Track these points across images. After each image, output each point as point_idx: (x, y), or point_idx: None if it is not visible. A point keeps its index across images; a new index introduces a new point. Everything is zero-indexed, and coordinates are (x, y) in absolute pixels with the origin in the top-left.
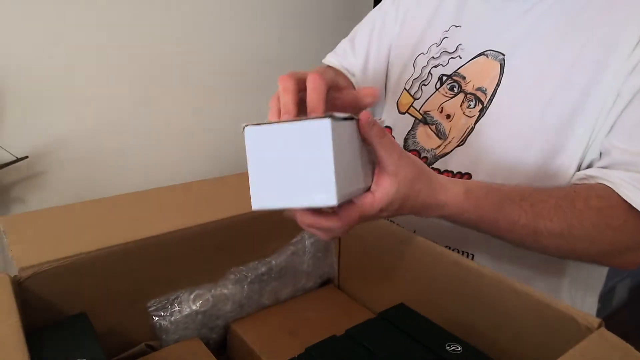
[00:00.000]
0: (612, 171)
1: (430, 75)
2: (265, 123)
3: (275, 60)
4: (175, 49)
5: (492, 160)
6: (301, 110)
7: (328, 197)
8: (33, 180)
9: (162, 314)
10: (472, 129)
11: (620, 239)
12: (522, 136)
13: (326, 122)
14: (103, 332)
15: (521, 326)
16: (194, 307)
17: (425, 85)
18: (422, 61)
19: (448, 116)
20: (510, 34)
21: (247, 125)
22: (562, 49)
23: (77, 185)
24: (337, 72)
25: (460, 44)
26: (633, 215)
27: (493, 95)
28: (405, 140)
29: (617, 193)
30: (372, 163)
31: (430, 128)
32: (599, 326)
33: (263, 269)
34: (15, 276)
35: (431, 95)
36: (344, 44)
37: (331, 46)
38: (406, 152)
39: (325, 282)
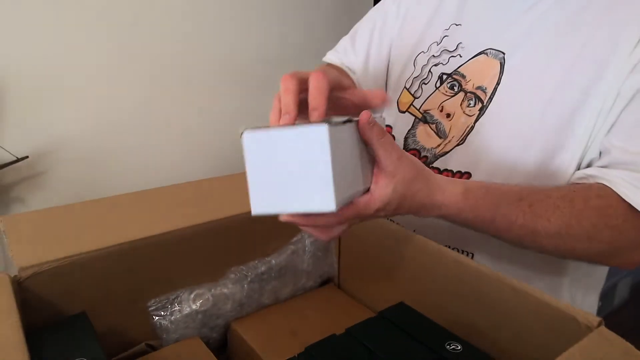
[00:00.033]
0: (611, 170)
1: (430, 74)
2: (263, 128)
3: (276, 60)
4: (175, 49)
5: (491, 159)
6: (304, 110)
7: (327, 203)
8: (33, 180)
9: (163, 313)
10: (472, 128)
11: (620, 239)
12: (522, 135)
13: (323, 129)
14: (103, 332)
15: (521, 325)
16: (194, 307)
17: (426, 84)
18: (422, 60)
19: (448, 115)
20: (510, 33)
21: (245, 131)
22: (562, 49)
23: (78, 185)
24: (341, 71)
25: (461, 43)
26: (632, 214)
27: (493, 94)
28: (406, 139)
29: (616, 192)
30: (372, 162)
31: (430, 127)
32: (599, 325)
33: (263, 268)
34: (15, 276)
35: (431, 94)
36: (344, 41)
37: (331, 46)
38: (406, 152)
39: (326, 282)
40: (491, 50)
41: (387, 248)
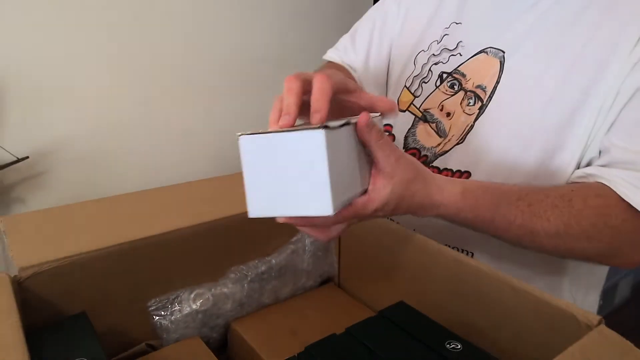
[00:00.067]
0: (611, 170)
1: (430, 73)
2: (260, 132)
3: (276, 60)
4: (175, 49)
5: (491, 158)
6: (306, 112)
7: (324, 207)
8: (34, 180)
9: (163, 313)
10: (472, 127)
11: (619, 239)
12: (522, 135)
13: (320, 133)
14: (103, 332)
15: (521, 324)
16: (194, 306)
17: (426, 82)
18: (422, 58)
19: (448, 114)
20: (511, 32)
21: (241, 135)
22: (562, 48)
23: (78, 186)
24: (345, 72)
25: (461, 41)
26: (632, 214)
27: (492, 93)
28: (406, 138)
29: (615, 192)
30: (370, 163)
31: (430, 126)
32: (599, 323)
33: (263, 268)
34: (15, 276)
35: (431, 93)
36: (344, 40)
37: (332, 45)
38: (404, 153)
39: (326, 281)
40: (491, 49)
41: (387, 247)
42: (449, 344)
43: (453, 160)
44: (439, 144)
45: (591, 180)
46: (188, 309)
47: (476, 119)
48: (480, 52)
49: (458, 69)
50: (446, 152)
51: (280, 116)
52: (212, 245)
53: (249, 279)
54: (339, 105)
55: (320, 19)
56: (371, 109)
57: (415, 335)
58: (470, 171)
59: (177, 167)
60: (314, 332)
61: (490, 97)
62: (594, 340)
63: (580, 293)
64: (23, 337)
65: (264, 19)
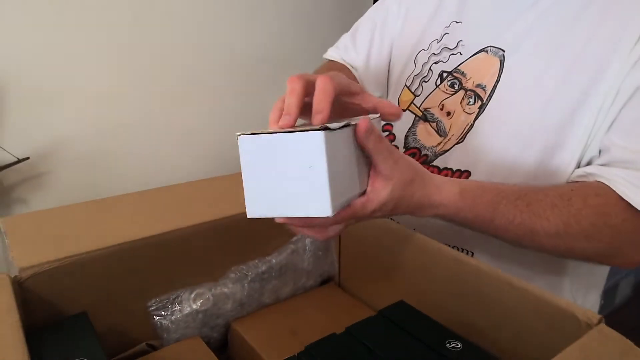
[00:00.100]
0: (610, 169)
1: (430, 72)
2: (259, 133)
3: (277, 60)
4: (175, 49)
5: (491, 157)
6: (308, 114)
7: (323, 209)
8: (34, 181)
9: (163, 313)
10: (472, 126)
11: (619, 238)
12: (522, 134)
13: (320, 134)
14: (104, 332)
15: (521, 323)
16: (194, 306)
17: (426, 81)
18: (422, 57)
19: (448, 113)
20: (511, 30)
21: (240, 135)
22: (563, 47)
23: (79, 186)
24: (348, 73)
25: (461, 40)
26: (631, 213)
27: (492, 92)
28: (406, 137)
29: (615, 191)
30: (369, 165)
31: (430, 125)
32: (599, 322)
33: (263, 268)
34: (15, 276)
35: (431, 92)
36: (345, 39)
37: (332, 45)
38: (402, 155)
39: (326, 281)
40: (491, 48)
41: (387, 247)
42: (449, 343)
43: (453, 160)
44: (439, 143)
45: (591, 179)
46: (188, 308)
47: (476, 118)
48: (481, 51)
49: (458, 68)
50: (446, 151)
51: (280, 116)
52: (212, 245)
53: (249, 278)
54: (341, 107)
55: (321, 18)
56: (374, 112)
57: (415, 334)
58: (470, 170)
59: (178, 168)
60: (314, 331)
61: (490, 96)
62: (594, 339)
63: (580, 293)
64: (23, 337)
65: (265, 18)
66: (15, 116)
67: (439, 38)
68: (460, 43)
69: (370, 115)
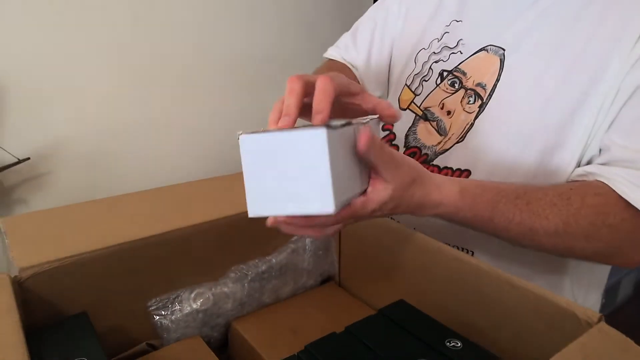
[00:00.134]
0: (610, 168)
1: (431, 71)
2: (261, 132)
3: (277, 60)
4: (175, 49)
5: (491, 156)
6: (308, 114)
7: (326, 206)
8: (35, 181)
9: (163, 312)
10: (472, 125)
11: (618, 237)
12: (521, 133)
13: (322, 132)
14: (104, 332)
15: (521, 322)
16: (194, 306)
17: (426, 81)
18: (423, 56)
19: (449, 112)
20: (511, 29)
21: (241, 134)
22: (563, 46)
23: (79, 186)
24: (348, 73)
25: (461, 39)
26: (631, 213)
27: (492, 91)
28: (406, 136)
29: (614, 190)
30: (369, 165)
31: (431, 124)
32: (599, 321)
33: (263, 267)
34: (15, 276)
35: (432, 91)
36: (345, 38)
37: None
38: (404, 159)
39: (326, 280)
40: (492, 47)
41: (388, 246)
42: (449, 342)
43: (453, 159)
44: (439, 143)
45: (591, 178)
46: (188, 308)
47: (476, 117)
48: (481, 49)
49: (458, 67)
50: (446, 150)
51: (280, 117)
52: (212, 245)
53: (249, 278)
54: (341, 107)
55: (321, 18)
56: (374, 113)
57: (415, 333)
58: (470, 169)
59: (178, 168)
60: (314, 331)
61: (490, 95)
62: (594, 338)
63: (581, 292)
64: (23, 337)
65: (265, 18)
66: (15, 116)
67: (439, 37)
68: (461, 42)
69: (370, 116)
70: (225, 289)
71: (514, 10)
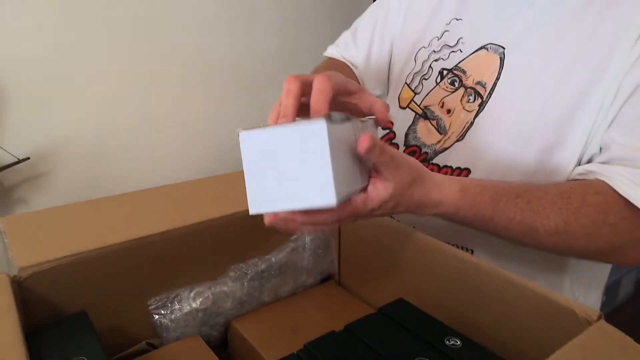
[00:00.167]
0: (611, 167)
1: (430, 69)
2: (261, 127)
3: (277, 60)
4: (176, 50)
5: (491, 155)
6: (306, 114)
7: (327, 198)
8: (35, 181)
9: (163, 312)
10: (472, 123)
11: (619, 236)
12: (522, 132)
13: (322, 125)
14: (103, 331)
15: (521, 320)
16: (194, 305)
17: (426, 79)
18: (423, 55)
19: (449, 111)
20: (512, 28)
21: (241, 131)
22: (563, 45)
23: (79, 186)
24: (347, 71)
25: (461, 38)
26: (631, 211)
27: (492, 89)
28: (406, 135)
29: (614, 189)
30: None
31: (431, 123)
32: (598, 319)
33: (263, 266)
34: (15, 276)
35: (432, 90)
36: (345, 36)
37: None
38: (404, 159)
39: (326, 279)
40: (491, 45)
41: (387, 245)
42: (449, 340)
43: (453, 158)
44: (439, 141)
45: (591, 177)
46: (188, 307)
47: (476, 115)
48: (481, 48)
49: (458, 65)
50: (446, 149)
51: (278, 118)
52: (211, 244)
53: (248, 277)
54: (339, 106)
55: (321, 18)
56: (371, 113)
57: (414, 332)
58: (470, 168)
59: (178, 168)
60: (314, 329)
61: (490, 93)
62: (594, 336)
63: (582, 290)
64: (22, 337)
65: (265, 18)
66: (15, 116)
67: (439, 35)
68: (461, 40)
69: (367, 117)
70: (225, 288)
71: (514, 9)
